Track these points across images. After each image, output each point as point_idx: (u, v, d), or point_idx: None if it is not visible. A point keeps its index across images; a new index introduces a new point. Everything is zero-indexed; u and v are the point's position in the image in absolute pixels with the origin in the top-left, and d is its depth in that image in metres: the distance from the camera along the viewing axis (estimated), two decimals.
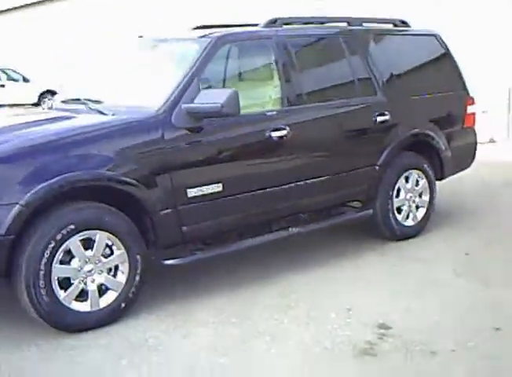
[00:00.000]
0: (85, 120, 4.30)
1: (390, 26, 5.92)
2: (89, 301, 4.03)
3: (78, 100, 4.74)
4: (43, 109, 5.04)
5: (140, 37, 5.51)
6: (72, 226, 3.88)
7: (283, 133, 4.73)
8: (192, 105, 4.29)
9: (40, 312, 3.87)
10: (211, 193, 4.45)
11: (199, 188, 4.39)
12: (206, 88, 4.48)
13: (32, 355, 3.79)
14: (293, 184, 4.88)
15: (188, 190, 4.35)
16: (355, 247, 5.58)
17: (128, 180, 4.07)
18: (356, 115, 5.30)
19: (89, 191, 4.00)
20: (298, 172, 4.90)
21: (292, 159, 4.85)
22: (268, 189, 4.75)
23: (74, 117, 4.41)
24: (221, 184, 4.49)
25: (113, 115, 4.32)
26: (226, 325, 4.13)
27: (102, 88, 4.98)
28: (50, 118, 4.41)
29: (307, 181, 4.96)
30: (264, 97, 4.85)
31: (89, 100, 4.65)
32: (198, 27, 5.74)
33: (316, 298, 4.55)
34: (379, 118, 5.37)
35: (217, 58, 4.59)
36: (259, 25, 5.04)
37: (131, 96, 4.69)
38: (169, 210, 4.27)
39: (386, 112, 5.40)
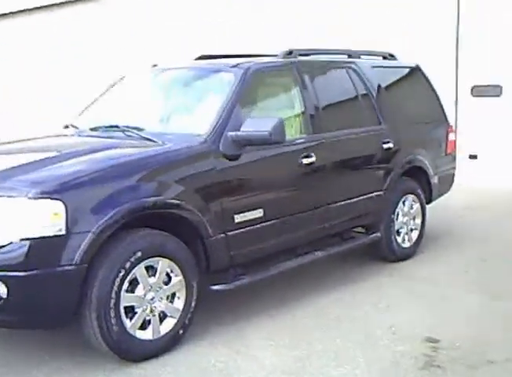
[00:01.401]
0: (141, 148, 4.28)
1: (380, 58, 6.26)
2: (150, 329, 3.99)
3: (117, 127, 4.70)
4: (74, 136, 4.91)
5: (155, 65, 5.54)
6: (139, 254, 3.86)
7: (312, 159, 4.92)
8: (238, 133, 4.38)
9: (109, 343, 3.79)
10: (254, 219, 4.55)
11: (243, 214, 4.47)
12: (243, 116, 4.58)
13: None
14: (319, 209, 5.07)
15: (235, 216, 4.42)
16: (362, 270, 5.79)
17: (187, 206, 4.10)
18: (368, 142, 5.59)
19: (149, 218, 3.98)
20: (323, 197, 5.10)
21: (318, 184, 5.04)
22: (299, 214, 4.90)
23: (126, 144, 4.38)
24: (262, 210, 4.59)
25: (162, 142, 4.33)
26: (284, 348, 4.20)
27: (135, 115, 4.97)
28: (104, 146, 4.34)
29: (330, 206, 5.16)
30: (292, 125, 5.00)
31: (127, 127, 4.63)
32: (200, 58, 5.86)
33: (351, 317, 4.71)
34: (385, 146, 5.67)
35: (250, 87, 4.72)
36: (278, 56, 5.22)
37: (172, 123, 4.74)
38: (219, 236, 4.32)
39: (389, 140, 5.72)
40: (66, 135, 5.00)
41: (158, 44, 12.68)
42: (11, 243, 3.53)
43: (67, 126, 5.23)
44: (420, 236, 6.22)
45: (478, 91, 10.64)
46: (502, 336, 4.38)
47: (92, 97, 5.58)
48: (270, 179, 4.70)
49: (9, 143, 4.83)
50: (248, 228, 4.51)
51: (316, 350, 4.16)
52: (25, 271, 3.50)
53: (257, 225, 4.58)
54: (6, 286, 3.52)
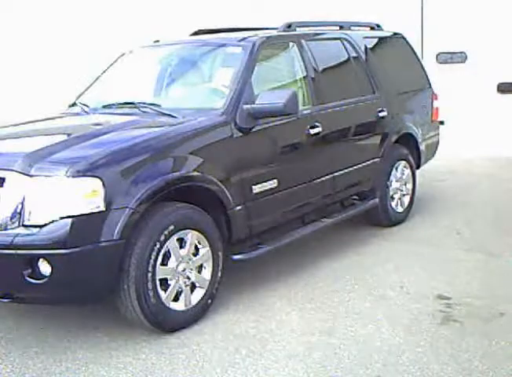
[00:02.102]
0: (165, 123, 4.35)
1: (368, 29, 6.43)
2: (182, 300, 4.11)
3: (132, 103, 4.74)
4: (89, 114, 4.92)
5: (157, 41, 5.57)
6: (172, 227, 3.97)
7: (318, 129, 5.08)
8: (254, 106, 4.50)
9: (147, 315, 3.91)
10: (270, 189, 4.70)
11: (261, 185, 4.62)
12: (254, 89, 4.69)
13: (148, 355, 3.83)
14: (326, 177, 5.26)
15: (253, 186, 4.56)
16: (362, 236, 6.02)
17: (213, 179, 4.22)
18: (366, 111, 5.78)
19: (177, 191, 4.08)
20: (328, 165, 5.29)
21: (324, 153, 5.22)
22: (308, 183, 5.08)
23: (149, 120, 4.45)
24: (276, 180, 4.74)
25: (183, 117, 4.42)
26: (307, 311, 4.39)
27: (147, 92, 5.02)
28: (128, 123, 4.39)
29: (335, 174, 5.35)
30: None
31: (143, 103, 4.68)
32: (196, 33, 5.91)
33: (363, 279, 4.93)
34: (380, 114, 5.88)
35: (259, 60, 4.83)
36: (278, 29, 5.32)
37: (187, 99, 4.81)
38: (240, 207, 4.46)
39: (384, 108, 5.92)
40: (80, 113, 5.00)
41: (150, 21, 12.43)
42: (52, 221, 3.59)
43: (73, 104, 5.24)
44: (411, 201, 6.48)
45: (443, 58, 10.95)
46: (507, 290, 4.67)
47: (93, 74, 5.58)
48: (281, 150, 4.85)
49: (23, 124, 4.81)
50: (265, 198, 4.67)
51: (338, 312, 4.37)
52: (68, 248, 3.57)
53: (273, 195, 4.73)
54: (50, 264, 3.59)
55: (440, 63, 10.91)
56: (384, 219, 6.15)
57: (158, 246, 3.89)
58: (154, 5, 12.28)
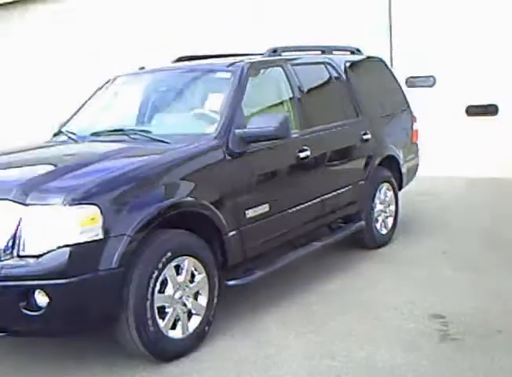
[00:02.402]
0: (159, 149, 4.31)
1: (348, 53, 6.50)
2: (179, 327, 4.05)
3: (122, 130, 4.71)
4: (78, 142, 4.86)
5: (142, 68, 5.56)
6: (169, 254, 3.92)
7: (307, 153, 5.10)
8: (246, 130, 4.51)
9: (146, 344, 3.84)
10: (262, 213, 4.68)
11: (253, 209, 4.60)
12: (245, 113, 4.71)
13: None
14: (315, 200, 5.27)
15: (246, 211, 4.54)
16: (350, 258, 6.02)
17: (208, 204, 4.20)
18: (351, 134, 5.83)
19: (173, 218, 4.04)
20: (317, 189, 5.30)
21: (313, 177, 5.25)
22: (298, 206, 5.08)
23: (142, 147, 4.41)
24: (268, 205, 4.73)
25: (176, 143, 4.39)
26: (305, 335, 4.35)
27: (135, 118, 5.00)
28: (122, 150, 4.35)
29: (324, 197, 5.37)
30: None
31: (133, 130, 4.65)
32: (179, 59, 5.92)
33: (357, 301, 4.93)
34: (364, 137, 5.93)
35: (247, 84, 4.84)
36: (264, 54, 5.36)
37: (177, 125, 4.79)
38: (234, 232, 4.43)
39: (367, 131, 5.98)
40: (67, 141, 4.94)
41: (129, 51, 12.43)
42: (49, 251, 3.52)
43: (59, 133, 5.17)
44: (395, 223, 6.53)
45: (412, 82, 11.15)
46: (500, 307, 4.70)
47: (75, 103, 5.53)
48: (272, 173, 4.85)
49: (12, 153, 4.73)
50: (258, 223, 4.65)
51: (336, 334, 4.34)
52: (66, 278, 3.50)
53: (265, 220, 4.72)
54: (47, 295, 3.50)
55: (410, 87, 11.07)
56: (369, 241, 6.17)
57: (156, 273, 3.84)
58: (143, 27, 12.31)
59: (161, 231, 3.92)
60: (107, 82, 5.61)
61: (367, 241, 6.16)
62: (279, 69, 5.25)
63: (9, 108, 12.16)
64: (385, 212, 6.39)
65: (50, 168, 4.05)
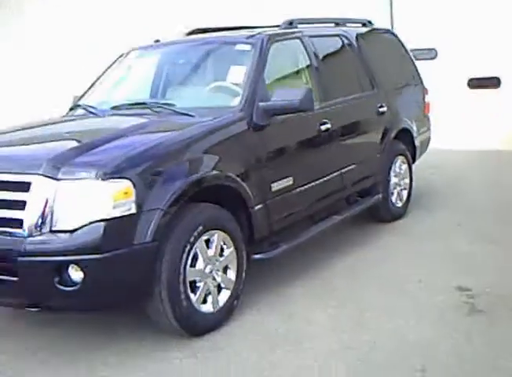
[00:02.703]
0: (184, 124, 4.24)
1: (360, 25, 6.43)
2: (210, 302, 4.03)
3: (144, 104, 4.64)
4: (100, 116, 4.78)
5: (157, 41, 5.46)
6: (201, 227, 3.89)
7: (328, 126, 5.06)
8: (270, 103, 4.45)
9: (179, 319, 3.82)
10: (286, 186, 4.65)
11: (278, 183, 4.57)
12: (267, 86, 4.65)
13: (182, 361, 3.73)
14: (335, 174, 5.24)
15: (272, 184, 4.51)
16: (367, 231, 6.01)
17: (235, 177, 4.15)
18: (368, 107, 5.79)
19: (203, 191, 4.00)
20: (337, 162, 5.28)
21: (333, 150, 5.21)
22: (320, 179, 5.05)
23: (169, 120, 4.34)
24: (292, 178, 4.70)
25: (201, 116, 4.33)
26: (333, 308, 4.35)
27: (158, 91, 4.92)
28: (149, 123, 4.29)
29: (343, 170, 5.34)
30: None
31: (155, 103, 4.59)
32: (192, 32, 5.83)
33: (381, 274, 4.93)
34: (380, 110, 5.89)
35: (268, 57, 4.77)
36: (280, 26, 5.28)
37: (201, 98, 4.73)
38: (261, 205, 4.40)
39: (383, 104, 5.94)
40: (88, 115, 4.85)
41: (144, 21, 12.26)
42: (83, 226, 3.47)
43: (76, 106, 5.09)
44: (409, 196, 6.52)
45: (414, 54, 11.06)
46: None
47: (89, 76, 5.44)
48: (295, 146, 4.81)
49: (34, 127, 4.65)
50: (282, 196, 4.62)
51: (363, 307, 4.34)
52: (100, 253, 3.46)
53: (289, 193, 4.69)
54: (82, 270, 3.47)
55: None
56: (386, 214, 6.16)
57: (188, 247, 3.81)
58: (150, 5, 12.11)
59: (192, 205, 3.88)
60: (121, 56, 5.51)
61: (384, 214, 6.15)
62: (298, 41, 5.19)
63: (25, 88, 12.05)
64: (400, 185, 6.37)
65: (78, 143, 3.97)
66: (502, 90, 10.98)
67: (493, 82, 11.13)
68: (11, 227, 3.57)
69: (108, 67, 5.45)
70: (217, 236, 4.03)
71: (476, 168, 8.65)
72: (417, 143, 6.62)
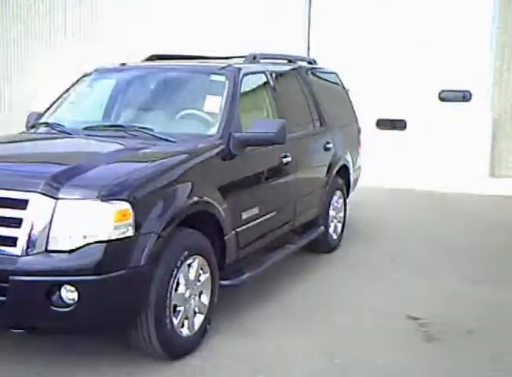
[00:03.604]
0: (171, 149, 4.30)
1: (305, 63, 6.73)
2: (186, 326, 4.09)
3: (121, 126, 4.66)
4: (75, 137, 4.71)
5: (123, 64, 5.47)
6: (186, 252, 3.96)
7: (289, 159, 5.28)
8: (246, 134, 4.61)
9: (162, 342, 3.85)
10: (253, 215, 4.81)
11: (247, 211, 4.72)
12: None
13: None
14: (290, 204, 5.45)
15: (242, 213, 4.65)
16: (309, 261, 6.25)
17: (216, 205, 4.26)
18: (318, 142, 6.07)
19: (187, 217, 4.07)
20: (294, 192, 5.50)
21: (291, 181, 5.43)
22: (279, 209, 5.25)
23: (155, 145, 4.36)
24: (258, 207, 4.86)
25: (183, 143, 4.42)
26: (302, 333, 4.52)
27: (131, 115, 4.94)
28: (136, 147, 4.29)
29: (298, 201, 5.59)
30: None
31: (133, 127, 4.62)
32: (150, 58, 5.90)
33: (335, 302, 5.17)
34: (327, 146, 6.20)
35: (241, 89, 4.95)
36: (246, 59, 5.47)
37: (177, 124, 4.80)
38: (233, 232, 4.53)
39: (330, 140, 6.25)
40: (63, 135, 4.77)
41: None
42: (82, 246, 3.46)
43: (38, 124, 5.01)
44: (343, 229, 6.85)
45: None
46: (463, 307, 5.11)
47: (51, 96, 5.37)
48: (261, 177, 4.98)
49: (8, 142, 4.53)
50: (249, 225, 4.76)
51: (324, 333, 4.54)
52: (98, 275, 3.46)
53: (254, 221, 4.84)
54: (77, 291, 3.45)
55: None
56: (324, 246, 6.44)
57: (175, 272, 3.86)
58: None
59: (179, 229, 3.95)
60: (84, 75, 5.48)
61: (322, 246, 6.42)
62: (263, 76, 5.40)
63: None
64: (336, 218, 6.68)
65: (69, 162, 3.90)
66: (408, 132, 11.74)
67: (400, 125, 11.88)
68: (3, 245, 3.49)
69: (71, 86, 5.40)
70: (197, 262, 4.10)
71: (390, 205, 9.15)
72: (352, 179, 6.98)
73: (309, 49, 12.16)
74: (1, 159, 4.23)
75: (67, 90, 5.39)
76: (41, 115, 5.23)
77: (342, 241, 6.91)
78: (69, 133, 4.73)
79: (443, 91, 11.57)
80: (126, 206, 3.57)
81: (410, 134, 11.71)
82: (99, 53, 12.17)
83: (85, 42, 13.02)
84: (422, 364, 4.11)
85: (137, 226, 3.61)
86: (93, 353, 4.09)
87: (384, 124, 11.80)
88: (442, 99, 11.63)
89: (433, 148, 11.48)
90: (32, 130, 5.06)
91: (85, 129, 4.77)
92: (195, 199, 4.05)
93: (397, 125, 11.77)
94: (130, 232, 3.57)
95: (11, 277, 3.42)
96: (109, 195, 3.54)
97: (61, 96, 5.34)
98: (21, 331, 3.61)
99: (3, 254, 3.48)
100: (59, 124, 4.93)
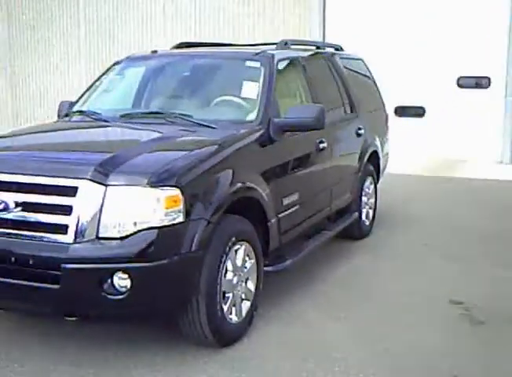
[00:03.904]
0: (213, 135, 4.25)
1: (332, 49, 6.66)
2: (235, 312, 4.05)
3: (160, 113, 4.61)
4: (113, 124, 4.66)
5: (155, 51, 5.41)
6: (234, 238, 3.92)
7: (324, 145, 5.22)
8: (284, 119, 4.56)
9: (213, 329, 3.81)
10: (293, 201, 4.76)
11: (287, 197, 4.67)
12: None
13: (218, 371, 3.73)
14: (327, 190, 5.41)
15: (283, 199, 4.60)
16: (344, 248, 6.20)
17: (260, 190, 4.22)
18: (352, 128, 6.01)
19: (233, 203, 4.02)
20: (329, 178, 5.46)
21: (327, 167, 5.38)
22: (316, 196, 5.21)
23: (197, 130, 4.31)
24: (298, 193, 4.81)
25: (224, 129, 4.37)
26: (346, 320, 4.48)
27: (168, 102, 4.90)
28: (179, 133, 4.24)
29: (334, 187, 5.54)
30: None
31: (172, 114, 4.56)
32: (179, 46, 5.85)
33: (377, 287, 5.13)
34: (359, 131, 6.14)
35: (276, 74, 4.89)
36: (276, 46, 5.40)
37: (215, 110, 4.74)
38: (275, 219, 4.48)
39: (361, 126, 6.19)
40: (100, 123, 4.70)
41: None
42: (134, 233, 3.42)
43: (72, 112, 4.97)
44: (374, 215, 6.79)
45: None
46: (504, 292, 5.05)
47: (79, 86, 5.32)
48: (299, 163, 4.92)
49: (49, 131, 4.50)
50: (290, 211, 4.71)
51: (375, 319, 4.51)
52: (151, 261, 3.42)
53: (294, 207, 4.79)
54: (130, 278, 3.41)
55: None
56: (357, 232, 6.38)
57: (224, 258, 3.82)
58: None
59: (226, 216, 3.90)
60: (116, 63, 5.43)
61: (355, 232, 6.37)
62: (297, 62, 5.34)
63: None
64: (368, 204, 6.63)
65: (114, 149, 3.85)
66: (427, 119, 11.67)
67: (418, 112, 11.81)
68: (55, 233, 3.45)
69: (103, 75, 5.35)
70: (243, 248, 4.06)
71: (413, 192, 9.06)
72: (382, 165, 6.93)
73: (324, 36, 12.10)
74: (45, 147, 4.20)
75: (99, 78, 5.34)
76: (73, 104, 5.19)
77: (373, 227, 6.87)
78: (106, 121, 4.68)
79: (461, 77, 11.48)
80: (176, 192, 3.52)
81: (429, 121, 11.65)
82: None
83: None
84: (474, 348, 4.06)
85: (187, 212, 3.56)
86: (145, 341, 4.06)
87: (402, 111, 11.74)
88: (460, 85, 11.55)
89: (453, 134, 11.40)
90: (66, 119, 5.01)
91: (123, 116, 4.72)
92: (241, 185, 4.01)
93: (416, 112, 11.71)
94: (181, 218, 3.53)
95: (63, 265, 3.38)
96: (159, 181, 3.49)
97: (93, 84, 5.30)
98: (74, 318, 3.58)
99: (54, 242, 3.44)
100: (94, 112, 4.88)
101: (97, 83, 5.29)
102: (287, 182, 4.66)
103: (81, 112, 4.98)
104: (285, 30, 11.88)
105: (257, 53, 5.01)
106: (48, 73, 13.53)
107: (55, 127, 4.76)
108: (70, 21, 13.29)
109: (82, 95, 5.24)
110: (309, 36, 11.78)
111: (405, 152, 11.02)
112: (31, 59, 13.71)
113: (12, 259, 3.53)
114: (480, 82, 11.43)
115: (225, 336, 3.94)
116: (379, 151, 6.76)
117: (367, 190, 6.55)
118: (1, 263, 3.56)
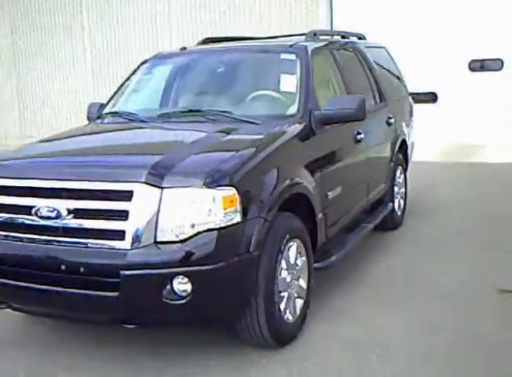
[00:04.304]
0: (258, 132, 4.16)
1: (355, 39, 6.56)
2: (289, 311, 3.97)
3: (199, 111, 4.51)
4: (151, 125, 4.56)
5: (184, 48, 5.30)
6: (288, 236, 3.84)
7: (362, 136, 5.14)
8: (325, 112, 4.46)
9: (272, 330, 3.73)
10: (337, 195, 4.67)
11: (332, 191, 4.58)
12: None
13: (278, 370, 3.65)
14: (365, 182, 5.32)
15: (328, 193, 4.52)
16: (382, 238, 6.14)
17: (309, 187, 4.14)
18: (383, 118, 5.92)
19: (285, 200, 3.93)
20: (366, 170, 5.36)
21: (364, 158, 5.29)
22: (356, 188, 5.12)
23: (239, 128, 4.21)
24: (340, 187, 4.73)
25: (266, 124, 4.27)
26: (398, 313, 4.40)
27: (206, 99, 4.80)
28: (224, 131, 4.13)
29: (370, 178, 5.44)
30: None
31: (211, 111, 4.46)
32: (204, 42, 5.75)
33: (415, 279, 5.05)
34: (390, 121, 6.05)
35: (312, 66, 4.79)
36: (306, 37, 5.30)
37: (254, 106, 4.64)
38: (322, 214, 4.39)
39: (391, 116, 6.10)
40: (143, 125, 4.60)
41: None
42: (193, 235, 3.34)
43: (105, 114, 4.87)
44: (405, 204, 6.71)
45: None
46: None
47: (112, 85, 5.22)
48: (340, 155, 4.83)
49: (91, 134, 4.41)
50: (334, 205, 4.63)
51: (425, 310, 4.42)
52: (211, 264, 3.34)
53: (338, 201, 4.71)
54: (190, 282, 3.33)
55: None
56: (390, 223, 6.30)
57: (280, 257, 3.74)
58: None
59: (279, 213, 3.81)
60: (144, 62, 5.32)
61: (388, 222, 6.28)
62: (330, 52, 5.24)
63: None
64: (399, 194, 6.55)
65: (162, 150, 3.77)
66: (440, 105, 11.57)
67: (430, 97, 11.70)
68: (111, 239, 3.36)
69: (132, 74, 5.24)
70: (295, 245, 3.98)
71: (435, 179, 9.00)
72: (410, 154, 6.84)
73: (332, 22, 11.96)
74: (91, 151, 4.11)
75: (129, 78, 5.24)
76: (104, 105, 5.09)
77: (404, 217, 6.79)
78: (144, 121, 4.58)
79: (473, 61, 11.37)
80: (232, 191, 3.44)
81: (442, 107, 11.54)
82: None
83: None
84: None
85: (244, 212, 3.48)
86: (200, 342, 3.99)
87: (415, 98, 11.60)
88: (472, 69, 11.44)
89: (467, 119, 11.30)
90: (99, 121, 4.91)
91: (161, 116, 4.62)
92: (292, 181, 3.93)
93: (428, 98, 11.60)
94: (238, 218, 3.45)
95: (122, 272, 3.30)
96: (215, 181, 3.41)
97: (123, 84, 5.19)
98: (133, 326, 3.50)
99: (111, 249, 3.36)
100: (130, 113, 4.78)
101: (127, 82, 5.18)
102: (330, 175, 4.57)
103: (114, 113, 4.88)
104: (292, 20, 11.74)
105: (291, 45, 4.91)
106: (53, 77, 13.43)
107: (94, 130, 4.66)
108: (74, 23, 13.15)
109: (113, 95, 5.13)
110: (317, 25, 11.67)
111: (420, 139, 10.94)
112: (36, 63, 13.60)
113: (64, 267, 3.45)
114: (492, 65, 11.33)
115: (283, 336, 3.87)
116: (407, 139, 6.67)
117: (398, 180, 6.46)
118: (54, 272, 3.48)
